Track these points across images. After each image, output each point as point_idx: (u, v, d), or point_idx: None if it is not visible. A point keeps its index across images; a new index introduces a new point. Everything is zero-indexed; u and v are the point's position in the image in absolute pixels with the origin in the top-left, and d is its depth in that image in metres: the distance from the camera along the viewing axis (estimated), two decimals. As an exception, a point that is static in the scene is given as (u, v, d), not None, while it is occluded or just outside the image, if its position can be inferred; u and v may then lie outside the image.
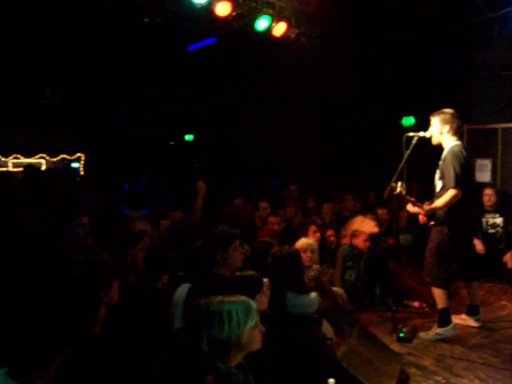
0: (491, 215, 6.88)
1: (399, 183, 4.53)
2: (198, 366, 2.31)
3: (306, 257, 4.52)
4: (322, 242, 5.85)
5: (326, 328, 3.69)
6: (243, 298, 2.52)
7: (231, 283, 3.23)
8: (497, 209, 6.90)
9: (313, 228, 5.70)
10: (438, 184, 4.71)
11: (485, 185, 7.58)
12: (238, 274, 3.60)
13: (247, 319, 2.41)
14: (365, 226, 5.78)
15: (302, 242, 4.68)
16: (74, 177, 12.14)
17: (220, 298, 2.49)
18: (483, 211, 6.86)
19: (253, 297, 3.04)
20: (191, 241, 4.94)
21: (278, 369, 3.14)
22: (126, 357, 2.48)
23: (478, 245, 6.24)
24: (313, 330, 3.58)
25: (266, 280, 3.65)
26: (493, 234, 6.79)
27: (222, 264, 3.61)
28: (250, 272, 3.64)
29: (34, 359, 1.95)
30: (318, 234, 5.69)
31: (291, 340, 3.36)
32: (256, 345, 2.48)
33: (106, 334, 2.63)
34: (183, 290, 3.64)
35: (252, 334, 2.43)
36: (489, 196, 6.88)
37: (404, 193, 4.51)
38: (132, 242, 3.99)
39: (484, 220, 6.86)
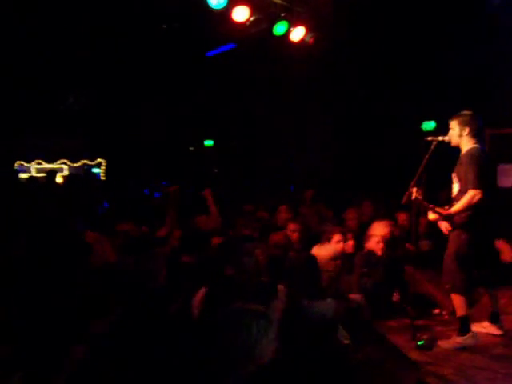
0: None
1: (414, 189, 4.46)
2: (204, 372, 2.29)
3: (333, 264, 4.47)
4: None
5: (342, 335, 3.63)
6: (263, 308, 2.48)
7: (246, 289, 3.21)
8: None
9: (337, 237, 5.61)
10: (455, 188, 4.61)
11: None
12: (253, 280, 3.58)
13: (265, 332, 2.37)
14: (378, 229, 5.71)
15: (330, 249, 4.61)
16: (94, 182, 12.30)
17: (241, 305, 2.46)
18: None
19: (268, 304, 3.02)
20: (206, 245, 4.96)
21: (292, 377, 3.09)
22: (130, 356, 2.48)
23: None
24: (328, 337, 3.53)
25: (282, 287, 3.62)
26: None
27: (235, 270, 3.59)
28: (265, 279, 3.62)
29: (47, 359, 1.97)
30: (341, 245, 5.60)
31: (305, 347, 3.30)
32: (267, 358, 2.44)
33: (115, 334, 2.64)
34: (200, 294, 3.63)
35: (267, 347, 2.39)
36: None
37: (420, 198, 4.44)
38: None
39: None
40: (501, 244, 6.19)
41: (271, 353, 2.44)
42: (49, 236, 4.80)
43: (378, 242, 5.52)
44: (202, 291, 3.61)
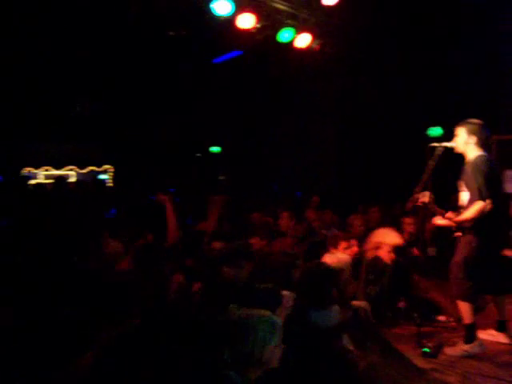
0: None
1: (426, 193, 4.44)
2: (211, 378, 2.30)
3: (342, 272, 4.47)
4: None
5: (347, 342, 3.62)
6: (268, 313, 2.50)
7: (247, 295, 3.21)
8: None
9: (344, 244, 5.59)
10: (464, 195, 4.59)
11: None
12: (257, 286, 3.58)
13: (271, 336, 2.39)
14: (388, 237, 5.68)
15: (341, 258, 4.60)
16: (101, 189, 12.32)
17: (246, 311, 2.48)
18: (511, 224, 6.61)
19: (273, 309, 3.02)
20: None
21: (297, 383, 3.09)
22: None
23: None
24: (332, 344, 3.52)
25: (286, 293, 3.61)
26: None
27: (228, 276, 3.64)
28: (271, 285, 3.61)
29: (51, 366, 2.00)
30: (349, 251, 5.60)
31: (310, 354, 3.30)
32: (275, 362, 2.45)
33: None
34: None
35: (274, 351, 2.41)
36: None
37: (430, 202, 4.42)
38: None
39: None
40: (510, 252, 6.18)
41: (278, 358, 2.46)
42: (58, 243, 4.84)
43: (389, 252, 5.51)
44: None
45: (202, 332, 2.81)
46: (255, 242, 5.60)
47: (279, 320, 2.50)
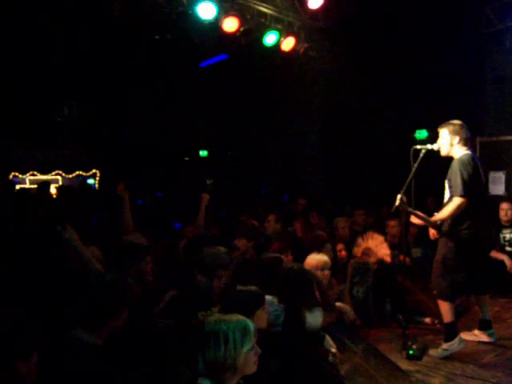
0: (508, 230, 6.67)
1: (398, 196, 4.46)
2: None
3: (322, 273, 4.45)
4: (333, 257, 5.73)
5: (329, 344, 3.60)
6: (240, 317, 2.44)
7: (230, 297, 3.19)
8: None
9: (327, 247, 5.60)
10: (447, 193, 4.61)
11: (500, 198, 7.39)
12: (239, 287, 3.56)
13: (244, 341, 2.33)
14: (380, 249, 5.66)
15: (318, 259, 4.59)
16: (89, 193, 12.23)
17: (217, 316, 2.44)
18: (500, 226, 6.66)
19: (252, 312, 3.00)
20: None
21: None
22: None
23: (507, 261, 6.18)
24: (315, 347, 3.50)
25: (269, 297, 3.59)
26: (510, 252, 6.55)
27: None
28: (252, 287, 3.59)
29: None
30: (338, 255, 5.59)
31: (292, 356, 3.28)
32: (251, 368, 2.40)
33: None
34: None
35: (248, 356, 2.35)
36: (505, 210, 6.63)
37: (404, 204, 4.44)
38: (137, 255, 3.96)
39: (501, 236, 6.65)
40: (500, 255, 6.24)
41: (254, 362, 2.42)
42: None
43: (375, 263, 5.53)
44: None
45: (173, 340, 2.77)
46: (241, 244, 5.58)
47: (252, 323, 2.45)
